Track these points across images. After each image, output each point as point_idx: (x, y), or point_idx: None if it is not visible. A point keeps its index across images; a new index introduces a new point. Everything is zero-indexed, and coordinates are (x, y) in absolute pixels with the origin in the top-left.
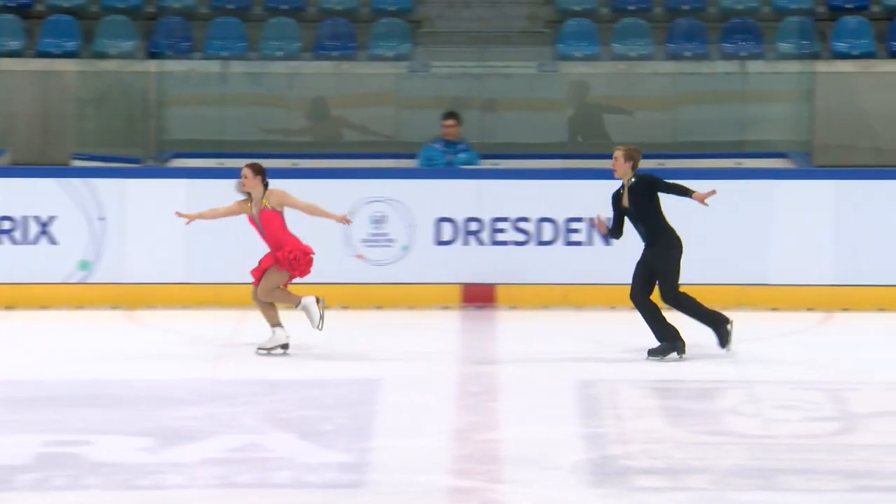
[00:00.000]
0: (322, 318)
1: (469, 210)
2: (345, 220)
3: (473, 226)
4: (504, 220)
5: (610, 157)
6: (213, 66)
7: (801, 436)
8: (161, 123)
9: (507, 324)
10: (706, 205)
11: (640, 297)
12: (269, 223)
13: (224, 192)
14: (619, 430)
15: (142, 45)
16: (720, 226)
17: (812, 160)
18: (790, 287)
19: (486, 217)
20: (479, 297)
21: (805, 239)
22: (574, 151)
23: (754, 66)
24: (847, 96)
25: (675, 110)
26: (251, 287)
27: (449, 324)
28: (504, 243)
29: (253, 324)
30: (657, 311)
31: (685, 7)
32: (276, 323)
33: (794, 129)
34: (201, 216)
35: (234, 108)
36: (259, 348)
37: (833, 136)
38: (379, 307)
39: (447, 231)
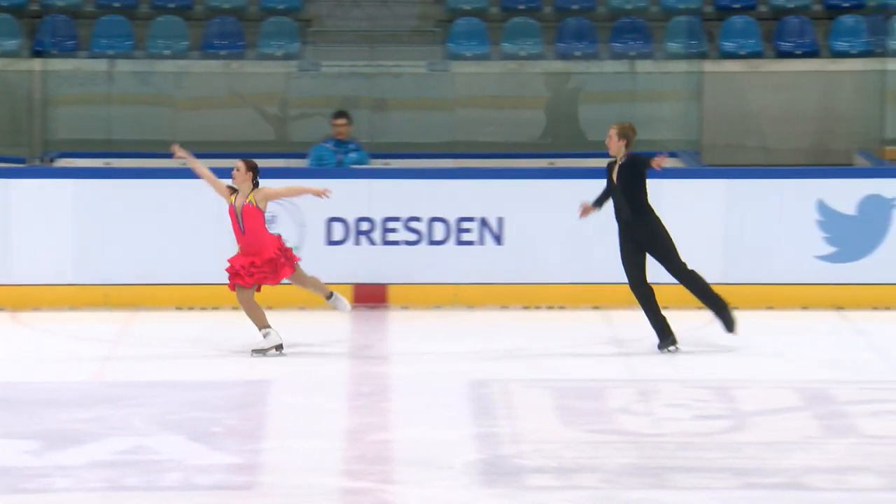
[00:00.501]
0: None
1: (360, 210)
2: (322, 194)
3: (364, 226)
4: (395, 219)
5: (499, 155)
6: (100, 65)
7: (691, 434)
8: (46, 123)
9: (399, 324)
10: (660, 168)
11: (641, 285)
12: (251, 219)
13: (112, 191)
14: (512, 430)
15: (26, 44)
16: (608, 225)
17: (701, 159)
18: (679, 286)
19: (378, 217)
20: (370, 297)
21: (694, 238)
22: (465, 151)
23: (643, 66)
24: (735, 96)
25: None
26: (257, 290)
27: (340, 324)
28: (395, 243)
29: (140, 325)
30: (654, 298)
31: (574, 7)
32: (264, 325)
33: (682, 129)
34: (198, 167)
35: (121, 107)
36: (253, 350)
37: (721, 135)
38: (270, 308)
39: (338, 231)
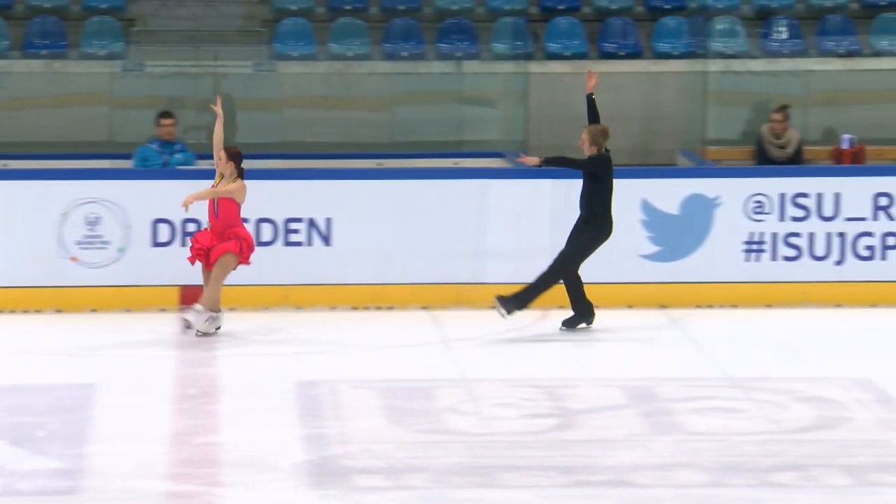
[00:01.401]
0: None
1: (185, 211)
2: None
3: (191, 227)
4: None
5: (327, 156)
6: None
7: (520, 433)
8: None
9: (227, 325)
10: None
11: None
12: (225, 208)
13: None
14: (340, 431)
15: None
16: (439, 225)
17: None
18: (507, 285)
19: (204, 218)
20: (197, 299)
21: (522, 238)
22: (293, 151)
23: (470, 67)
24: (560, 96)
25: (393, 110)
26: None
27: (167, 326)
28: None
29: None
30: (580, 284)
31: (401, 7)
32: (218, 308)
33: (509, 129)
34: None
35: None
36: (197, 331)
37: (548, 135)
38: (94, 310)
39: (164, 232)
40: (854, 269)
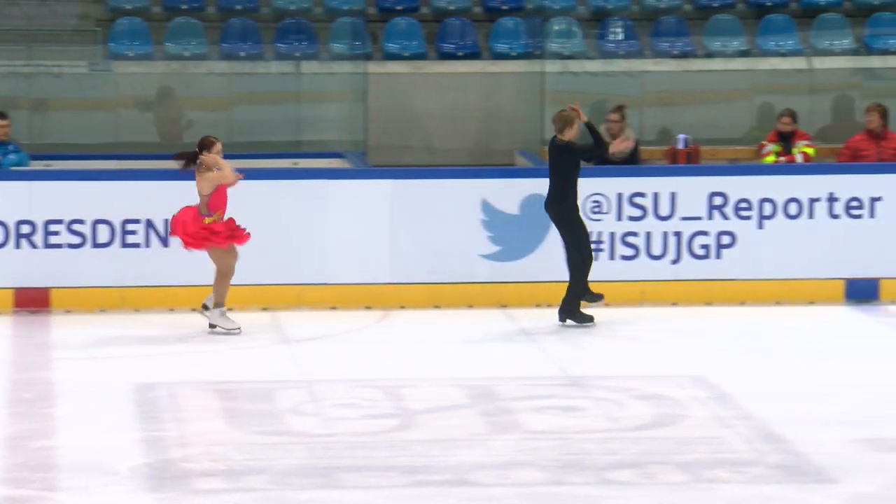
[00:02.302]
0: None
1: (20, 213)
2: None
3: (25, 228)
4: (58, 222)
5: (164, 157)
6: None
7: (361, 433)
8: None
9: (63, 328)
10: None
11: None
12: (214, 195)
13: None
14: (179, 434)
15: None
16: (279, 226)
17: (367, 160)
18: (348, 286)
19: (39, 220)
20: (32, 301)
21: (362, 238)
22: (127, 152)
23: (308, 67)
24: (399, 97)
25: (231, 110)
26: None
27: (0, 329)
28: (58, 246)
29: None
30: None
31: (238, 7)
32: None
33: (349, 130)
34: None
35: None
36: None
37: (387, 135)
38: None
39: None
40: (690, 268)
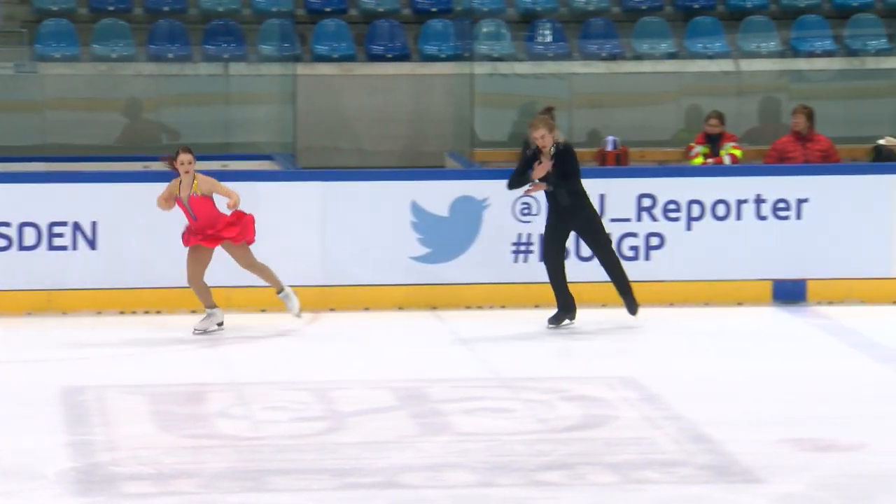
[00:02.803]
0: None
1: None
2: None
3: None
4: None
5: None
6: None
7: (290, 436)
8: None
9: None
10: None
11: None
12: (201, 209)
13: None
14: (107, 437)
15: None
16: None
17: (297, 162)
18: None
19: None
20: None
21: (291, 241)
22: (56, 154)
23: (237, 69)
24: (329, 99)
25: (159, 112)
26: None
27: None
28: None
29: None
30: (564, 276)
31: (165, 8)
32: (211, 304)
33: (278, 131)
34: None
35: None
36: (195, 329)
37: (316, 137)
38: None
39: None
40: None
